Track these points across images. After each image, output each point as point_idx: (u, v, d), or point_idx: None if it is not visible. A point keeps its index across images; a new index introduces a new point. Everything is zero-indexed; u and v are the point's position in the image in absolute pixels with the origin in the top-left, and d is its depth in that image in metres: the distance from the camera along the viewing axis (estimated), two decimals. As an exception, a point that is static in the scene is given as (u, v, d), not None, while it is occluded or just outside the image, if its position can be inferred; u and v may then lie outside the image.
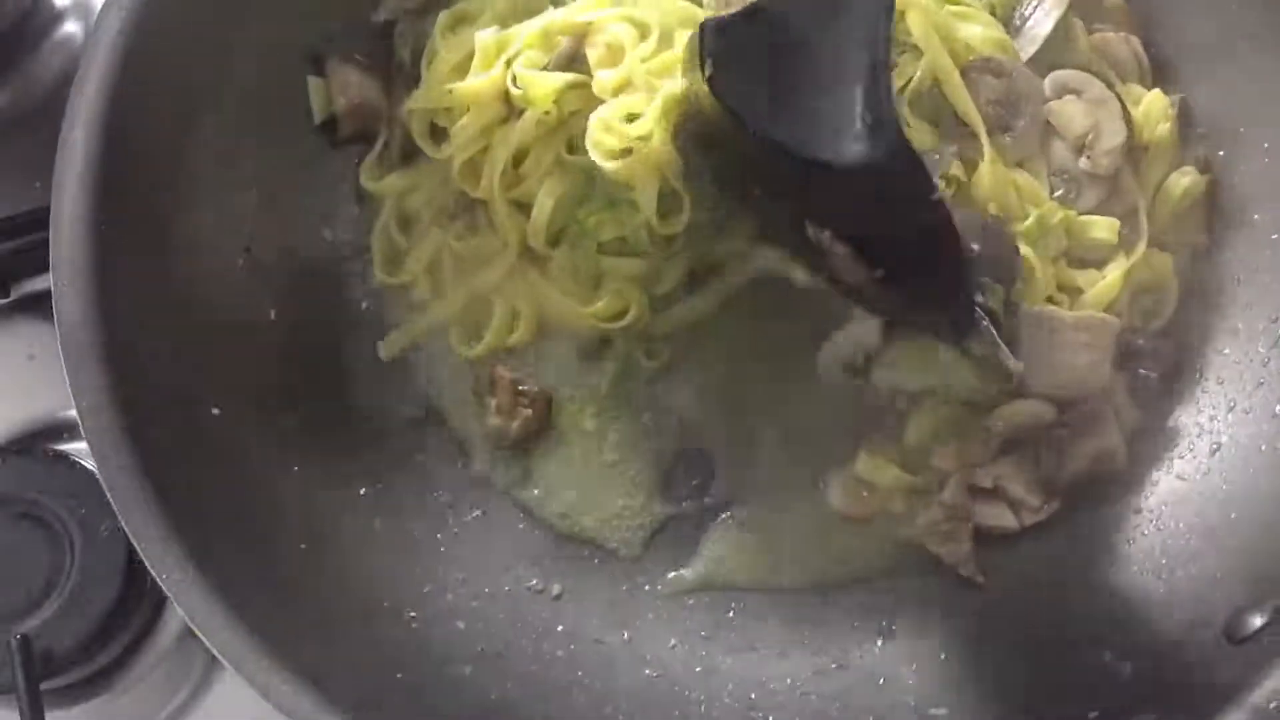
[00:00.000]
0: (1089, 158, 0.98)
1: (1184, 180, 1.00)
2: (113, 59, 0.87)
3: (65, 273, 0.83)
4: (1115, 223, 0.98)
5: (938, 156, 0.93)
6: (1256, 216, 1.00)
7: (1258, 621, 0.79)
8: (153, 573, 0.77)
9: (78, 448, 1.04)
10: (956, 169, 0.94)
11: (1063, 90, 0.99)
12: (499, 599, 0.96)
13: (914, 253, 0.85)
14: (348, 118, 1.04)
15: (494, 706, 0.86)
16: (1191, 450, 0.96)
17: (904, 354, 0.96)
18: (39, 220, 1.04)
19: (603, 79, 0.93)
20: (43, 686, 0.94)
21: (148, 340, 0.85)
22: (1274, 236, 0.99)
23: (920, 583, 0.97)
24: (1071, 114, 0.98)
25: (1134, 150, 1.00)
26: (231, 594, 0.77)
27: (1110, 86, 0.99)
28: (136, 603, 1.00)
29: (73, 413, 1.03)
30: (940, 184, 0.89)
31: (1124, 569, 0.92)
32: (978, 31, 0.97)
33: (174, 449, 0.83)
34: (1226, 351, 0.98)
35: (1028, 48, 1.00)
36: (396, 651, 0.86)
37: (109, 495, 0.79)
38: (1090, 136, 0.98)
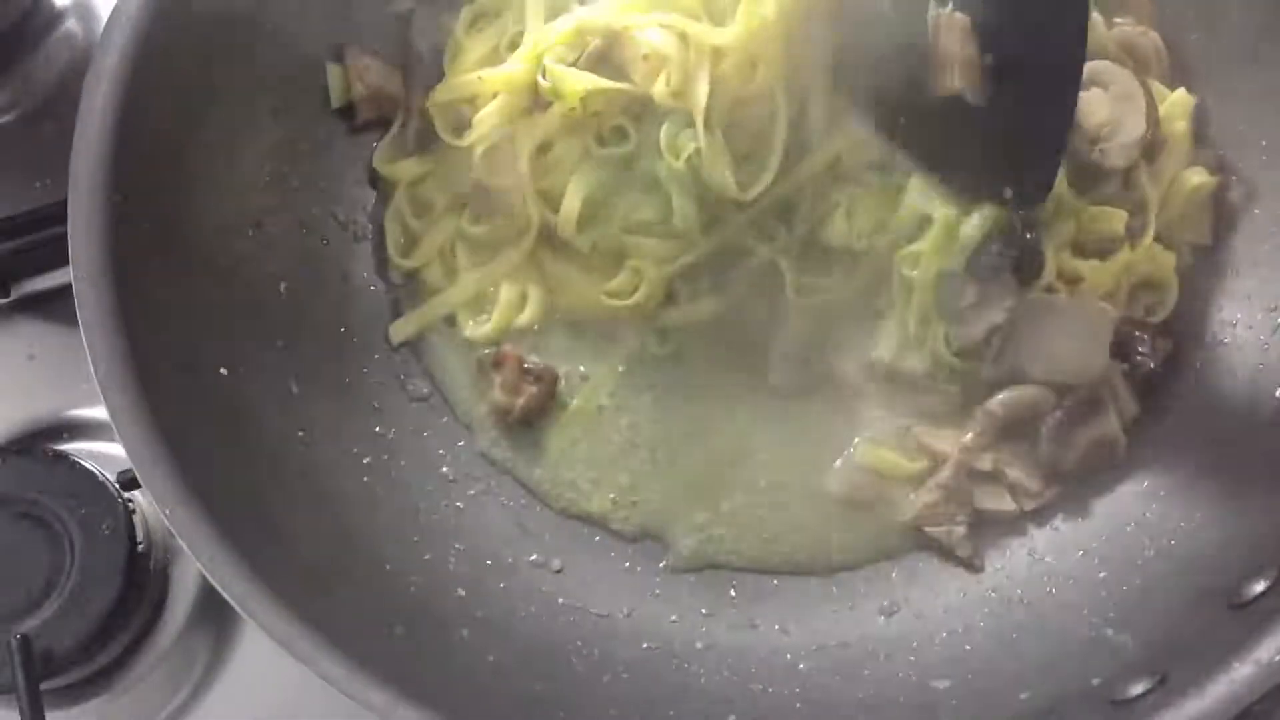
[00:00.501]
0: (1104, 150, 0.98)
1: (1195, 178, 1.01)
2: (130, 37, 0.88)
3: (80, 239, 0.84)
4: (1124, 214, 0.99)
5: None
6: (1256, 211, 1.01)
7: (1259, 587, 0.79)
8: (166, 521, 0.78)
9: (78, 448, 1.04)
10: None
11: (1090, 82, 0.99)
12: (499, 571, 0.96)
13: (1034, 29, 0.85)
14: (366, 104, 1.06)
15: (491, 669, 0.87)
16: (1192, 436, 0.97)
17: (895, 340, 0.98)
18: (39, 220, 1.05)
19: (660, 91, 0.94)
20: (43, 686, 0.93)
21: (159, 302, 0.86)
22: (1272, 230, 1.00)
23: (923, 563, 0.97)
24: (1094, 105, 0.98)
25: (1150, 146, 1.00)
26: (237, 542, 0.78)
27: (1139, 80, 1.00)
28: (136, 603, 0.99)
29: (73, 413, 1.04)
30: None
31: (1125, 549, 0.93)
32: None
33: (183, 405, 0.84)
34: (1226, 341, 0.99)
35: None
36: (396, 611, 0.87)
37: (124, 449, 0.80)
38: (1108, 129, 0.98)
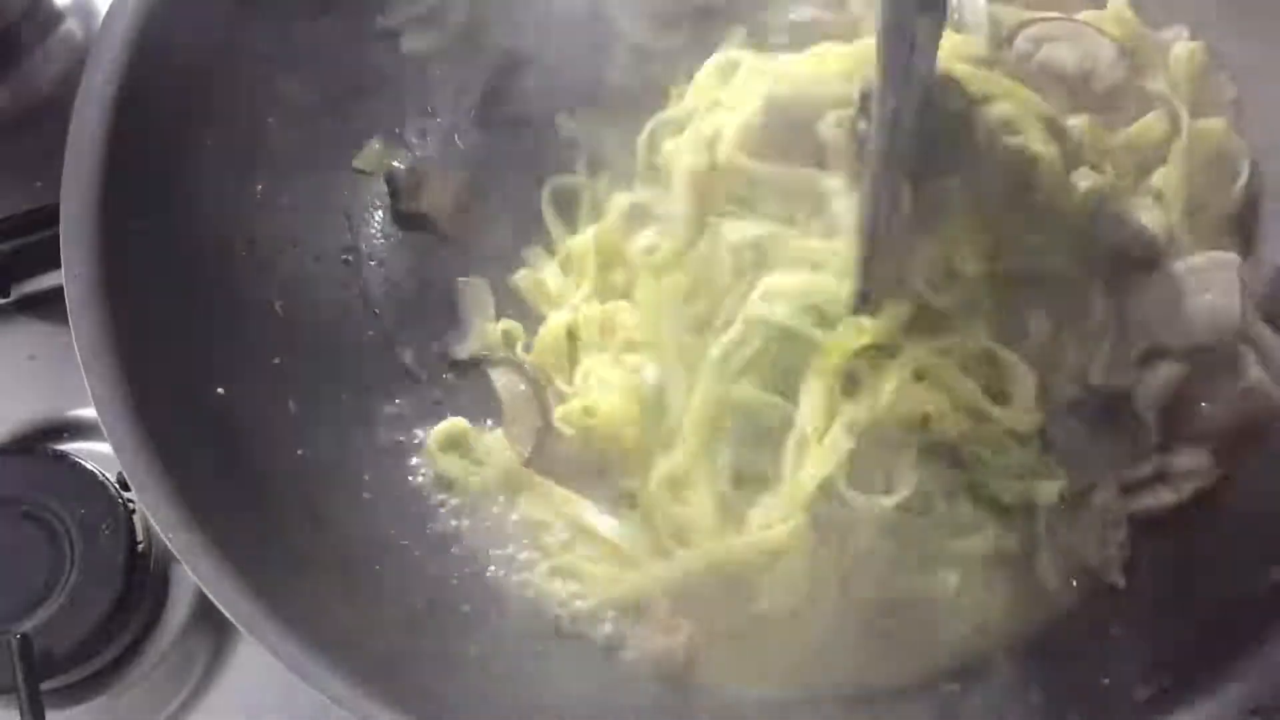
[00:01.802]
0: (1097, 80, 1.00)
1: (1183, 50, 1.02)
2: (121, 58, 0.88)
3: (74, 258, 0.84)
4: (1158, 115, 0.99)
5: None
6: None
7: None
8: (164, 539, 0.78)
9: (78, 448, 1.03)
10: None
11: (1040, 41, 1.00)
12: (506, 585, 0.96)
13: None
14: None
15: (501, 684, 0.87)
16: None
17: None
18: (39, 220, 1.05)
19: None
20: (43, 686, 0.93)
21: (154, 324, 0.86)
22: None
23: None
24: (1062, 56, 1.00)
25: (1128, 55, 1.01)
26: (240, 563, 0.78)
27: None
28: (136, 603, 0.99)
29: (73, 413, 1.04)
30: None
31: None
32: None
33: (183, 428, 0.84)
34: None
35: (979, 32, 1.00)
36: (402, 629, 0.87)
37: (122, 468, 0.80)
38: (1086, 64, 1.00)
